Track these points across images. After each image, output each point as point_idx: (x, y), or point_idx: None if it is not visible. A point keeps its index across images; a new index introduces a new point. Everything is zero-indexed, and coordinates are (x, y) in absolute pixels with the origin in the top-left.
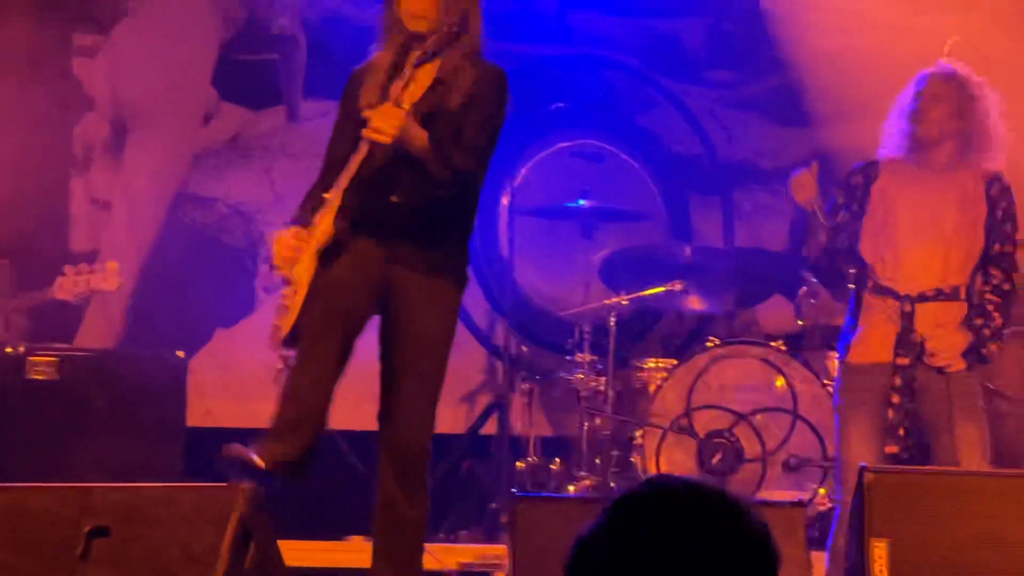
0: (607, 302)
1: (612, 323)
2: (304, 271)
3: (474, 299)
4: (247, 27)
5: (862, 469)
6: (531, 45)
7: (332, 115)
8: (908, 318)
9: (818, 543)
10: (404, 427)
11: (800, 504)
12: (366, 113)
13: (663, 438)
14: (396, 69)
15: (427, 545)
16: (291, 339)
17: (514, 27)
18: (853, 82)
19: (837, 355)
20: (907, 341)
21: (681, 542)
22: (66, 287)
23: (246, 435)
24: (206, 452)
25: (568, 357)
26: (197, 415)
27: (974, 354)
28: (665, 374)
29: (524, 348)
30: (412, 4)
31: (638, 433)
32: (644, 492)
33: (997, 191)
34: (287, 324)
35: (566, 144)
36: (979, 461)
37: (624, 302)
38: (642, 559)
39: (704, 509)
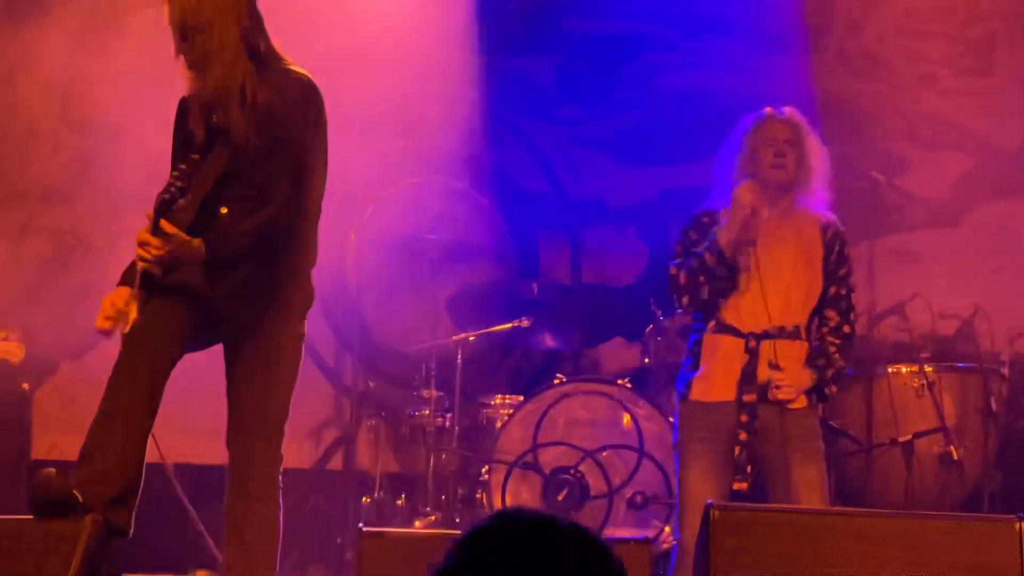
0: (454, 338)
1: (459, 359)
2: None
3: (321, 334)
4: None
5: (708, 506)
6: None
7: None
8: (752, 355)
9: None
10: (245, 459)
11: (646, 541)
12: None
13: (509, 474)
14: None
15: None
16: None
17: None
18: (701, 121)
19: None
20: (751, 378)
21: (535, 574)
22: None
23: None
24: None
25: (415, 393)
26: (42, 448)
27: (816, 393)
28: (511, 410)
29: (371, 384)
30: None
31: (484, 469)
32: (496, 524)
33: (831, 235)
34: None
35: (416, 180)
36: (818, 503)
37: (471, 338)
38: None
39: (557, 541)
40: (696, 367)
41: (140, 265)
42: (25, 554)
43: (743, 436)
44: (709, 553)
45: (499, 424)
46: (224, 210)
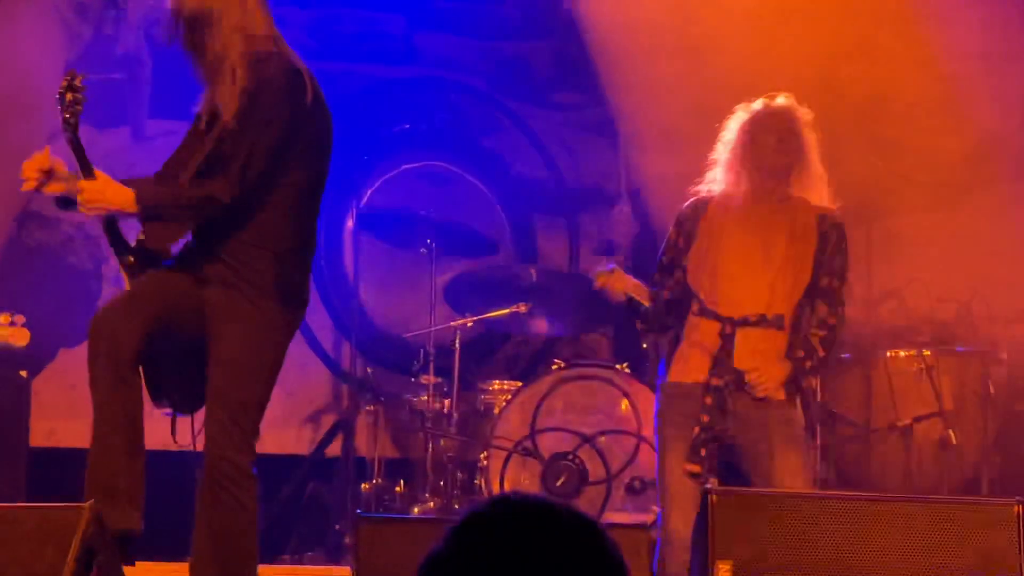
0: (452, 324)
1: (457, 345)
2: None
3: (319, 321)
4: (92, 46)
5: (707, 491)
6: (377, 66)
7: (178, 135)
8: (728, 340)
9: None
10: (211, 444)
11: (644, 527)
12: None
13: (507, 460)
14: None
15: (271, 567)
16: None
17: (360, 48)
18: (694, 108)
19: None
20: (723, 363)
21: (532, 559)
22: None
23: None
24: (49, 472)
25: (413, 379)
26: (40, 435)
27: (793, 386)
28: (510, 396)
29: (369, 370)
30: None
31: (482, 455)
32: (492, 509)
33: (828, 226)
34: None
35: (412, 166)
36: (802, 488)
37: (469, 324)
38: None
39: (554, 526)
40: (679, 346)
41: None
42: (23, 542)
43: (705, 418)
44: (708, 537)
45: (497, 410)
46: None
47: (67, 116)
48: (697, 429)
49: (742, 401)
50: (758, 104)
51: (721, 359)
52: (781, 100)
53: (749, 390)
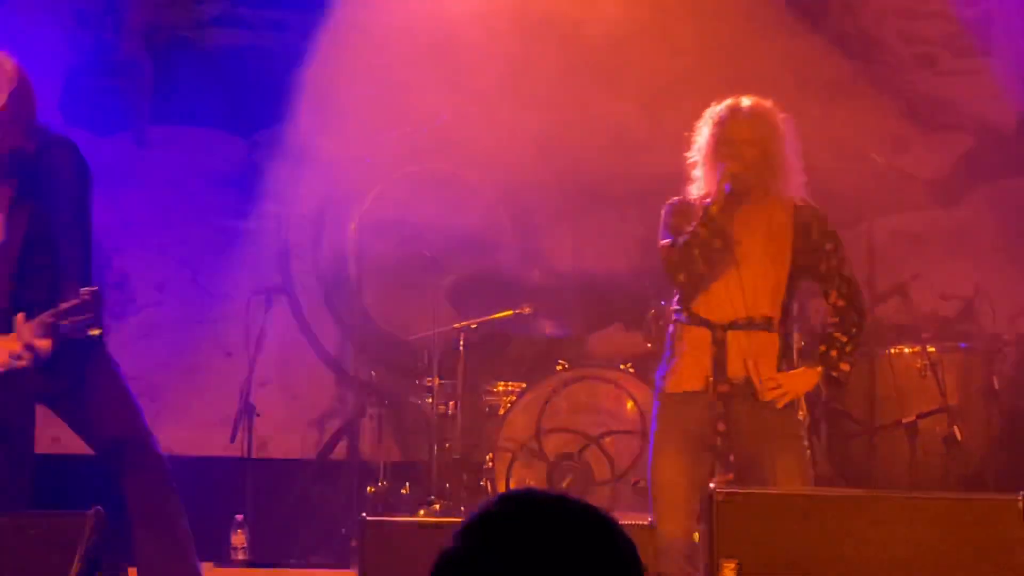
0: (456, 326)
1: (461, 347)
2: None
3: (323, 324)
4: (93, 52)
5: (712, 491)
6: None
7: (180, 141)
8: (720, 346)
9: None
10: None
11: (650, 527)
12: None
13: (513, 462)
14: None
15: (278, 571)
16: None
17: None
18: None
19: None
20: (722, 369)
21: (545, 555)
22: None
23: (94, 462)
24: (53, 479)
25: (417, 382)
26: (45, 443)
27: (831, 385)
28: (515, 398)
29: (373, 373)
30: None
31: (488, 457)
32: (505, 506)
33: (807, 217)
34: None
35: (415, 169)
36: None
37: (473, 326)
38: (507, 573)
39: (567, 522)
40: (671, 359)
41: None
42: (29, 548)
43: (721, 427)
44: (712, 537)
45: (502, 411)
46: None
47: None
48: (720, 440)
49: (740, 404)
50: (725, 105)
51: (718, 365)
52: (747, 100)
53: (752, 394)
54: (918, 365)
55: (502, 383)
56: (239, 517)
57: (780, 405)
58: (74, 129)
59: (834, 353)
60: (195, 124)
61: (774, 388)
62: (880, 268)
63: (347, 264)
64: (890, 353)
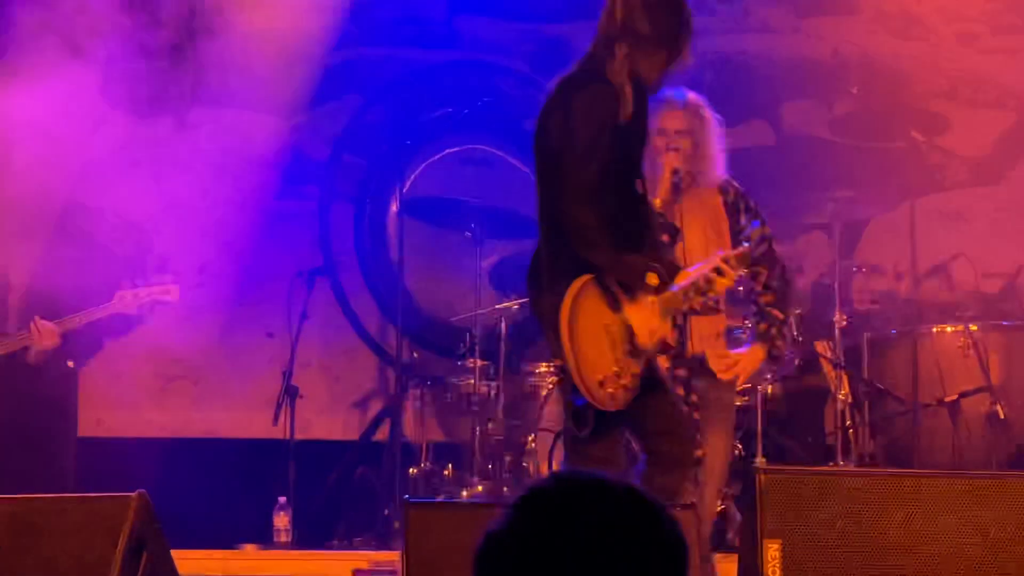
0: (498, 307)
1: (503, 328)
2: None
3: (365, 307)
4: (135, 35)
5: (755, 470)
6: (418, 51)
7: (222, 123)
8: (681, 330)
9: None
10: None
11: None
12: None
13: (555, 442)
14: None
15: (321, 552)
16: None
17: (400, 32)
18: (744, 84)
19: None
20: (682, 354)
21: (591, 536)
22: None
23: (137, 444)
24: (97, 461)
25: (459, 363)
26: (88, 425)
27: (769, 361)
28: (556, 378)
29: (415, 354)
30: None
31: (530, 438)
32: (552, 486)
33: (732, 196)
34: None
35: (455, 150)
36: (721, 468)
37: (514, 307)
38: (554, 553)
39: (614, 503)
40: None
41: None
42: (73, 532)
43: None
44: (756, 517)
45: (544, 392)
46: None
47: None
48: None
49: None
50: (656, 103)
51: (679, 348)
52: (681, 95)
53: (711, 375)
54: (960, 344)
55: (544, 364)
56: (282, 499)
57: (739, 385)
58: (115, 111)
59: (774, 331)
60: (236, 107)
61: (729, 372)
62: (922, 247)
63: (388, 245)
64: (932, 332)
